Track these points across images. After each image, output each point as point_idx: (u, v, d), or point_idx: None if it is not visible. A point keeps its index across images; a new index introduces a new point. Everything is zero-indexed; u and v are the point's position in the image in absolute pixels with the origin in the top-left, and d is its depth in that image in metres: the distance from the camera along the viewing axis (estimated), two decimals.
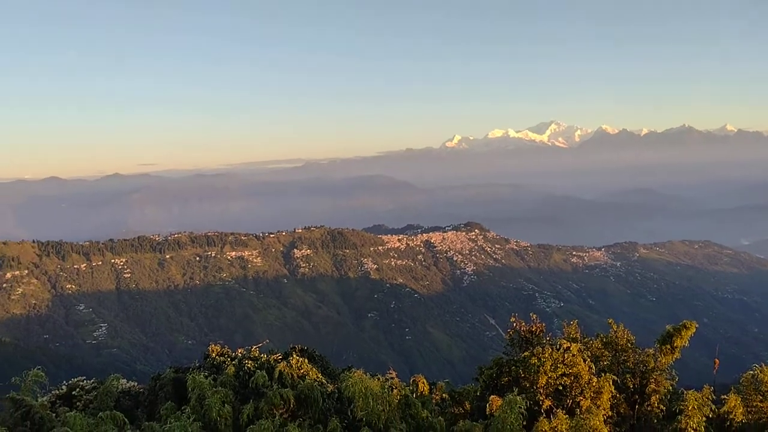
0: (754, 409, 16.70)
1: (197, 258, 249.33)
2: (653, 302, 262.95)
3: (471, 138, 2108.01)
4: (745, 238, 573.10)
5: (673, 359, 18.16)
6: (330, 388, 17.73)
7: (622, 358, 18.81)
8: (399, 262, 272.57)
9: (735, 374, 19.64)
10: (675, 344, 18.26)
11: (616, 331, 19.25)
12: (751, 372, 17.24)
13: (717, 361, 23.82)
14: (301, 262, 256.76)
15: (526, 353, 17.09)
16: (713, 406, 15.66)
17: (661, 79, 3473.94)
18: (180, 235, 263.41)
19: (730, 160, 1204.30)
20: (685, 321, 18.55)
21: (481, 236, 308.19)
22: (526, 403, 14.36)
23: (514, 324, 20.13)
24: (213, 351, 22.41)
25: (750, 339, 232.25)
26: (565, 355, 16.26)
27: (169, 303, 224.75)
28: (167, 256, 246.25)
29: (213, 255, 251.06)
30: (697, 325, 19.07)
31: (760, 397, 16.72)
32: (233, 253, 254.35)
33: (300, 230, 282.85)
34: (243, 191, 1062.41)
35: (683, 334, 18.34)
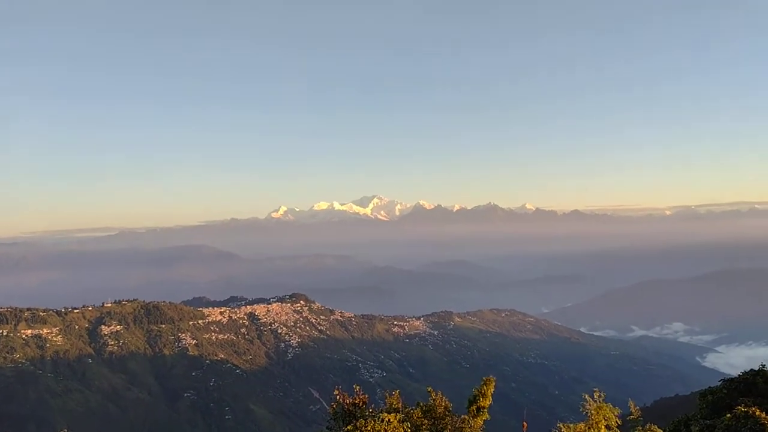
0: None
1: None
2: (467, 368, 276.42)
3: (297, 209, 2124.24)
4: (545, 306, 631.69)
5: (483, 421, 19.08)
6: None
7: (440, 426, 19.38)
8: (220, 336, 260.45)
9: None
10: (481, 405, 19.23)
11: (434, 399, 19.86)
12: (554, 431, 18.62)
13: (525, 423, 25.31)
14: (109, 340, 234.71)
15: (349, 427, 16.96)
16: None
17: (468, 161, 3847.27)
18: None
19: (531, 236, 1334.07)
20: (484, 378, 19.70)
21: (307, 307, 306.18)
22: None
23: (338, 397, 19.98)
24: None
25: (552, 401, 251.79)
26: (387, 427, 16.39)
27: None
28: None
29: (5, 333, 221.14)
30: (494, 379, 20.32)
31: None
32: (29, 331, 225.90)
33: (109, 304, 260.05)
34: (44, 262, 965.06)
35: (485, 391, 19.42)
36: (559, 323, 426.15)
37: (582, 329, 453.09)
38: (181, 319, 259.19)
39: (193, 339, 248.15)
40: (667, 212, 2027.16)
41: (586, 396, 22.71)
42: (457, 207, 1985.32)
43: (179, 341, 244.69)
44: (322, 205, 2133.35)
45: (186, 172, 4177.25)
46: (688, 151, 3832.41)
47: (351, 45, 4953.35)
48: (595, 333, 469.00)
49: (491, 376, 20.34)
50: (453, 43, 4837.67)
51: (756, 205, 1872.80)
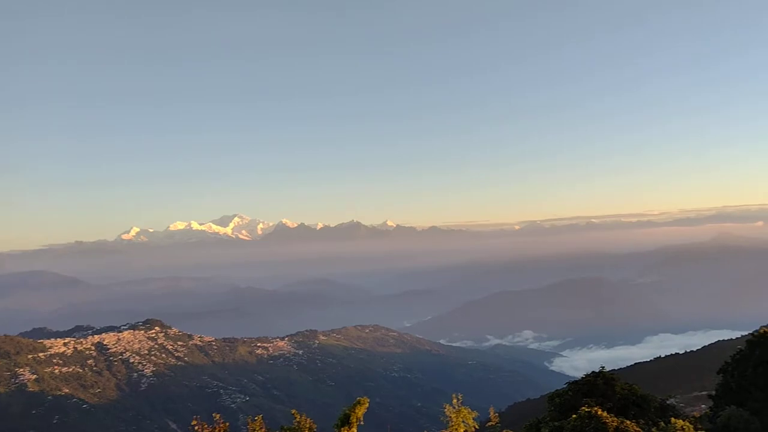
0: None
1: None
2: (333, 386, 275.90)
3: (151, 230, 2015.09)
4: (407, 320, 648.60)
5: None
6: None
7: None
8: (65, 369, 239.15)
9: None
10: (351, 421, 19.22)
11: (299, 421, 19.49)
12: None
13: None
14: None
15: None
16: None
17: (331, 179, 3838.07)
18: None
19: (393, 252, 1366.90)
20: (358, 398, 19.76)
21: (162, 333, 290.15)
22: None
23: (196, 427, 18.99)
24: None
25: (415, 413, 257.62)
26: None
27: None
28: None
29: None
30: (368, 400, 20.44)
31: None
32: None
33: None
34: None
35: (358, 410, 19.45)
36: (421, 336, 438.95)
37: (442, 341, 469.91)
38: (18, 353, 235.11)
39: (33, 374, 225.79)
40: (516, 227, 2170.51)
41: (446, 405, 23.72)
42: (320, 225, 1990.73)
43: (16, 377, 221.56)
44: (179, 226, 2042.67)
45: (23, 192, 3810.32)
46: (530, 169, 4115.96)
47: (210, 56, 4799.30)
48: (454, 344, 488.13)
49: (365, 398, 20.38)
50: (309, 48, 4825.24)
51: (592, 219, 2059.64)
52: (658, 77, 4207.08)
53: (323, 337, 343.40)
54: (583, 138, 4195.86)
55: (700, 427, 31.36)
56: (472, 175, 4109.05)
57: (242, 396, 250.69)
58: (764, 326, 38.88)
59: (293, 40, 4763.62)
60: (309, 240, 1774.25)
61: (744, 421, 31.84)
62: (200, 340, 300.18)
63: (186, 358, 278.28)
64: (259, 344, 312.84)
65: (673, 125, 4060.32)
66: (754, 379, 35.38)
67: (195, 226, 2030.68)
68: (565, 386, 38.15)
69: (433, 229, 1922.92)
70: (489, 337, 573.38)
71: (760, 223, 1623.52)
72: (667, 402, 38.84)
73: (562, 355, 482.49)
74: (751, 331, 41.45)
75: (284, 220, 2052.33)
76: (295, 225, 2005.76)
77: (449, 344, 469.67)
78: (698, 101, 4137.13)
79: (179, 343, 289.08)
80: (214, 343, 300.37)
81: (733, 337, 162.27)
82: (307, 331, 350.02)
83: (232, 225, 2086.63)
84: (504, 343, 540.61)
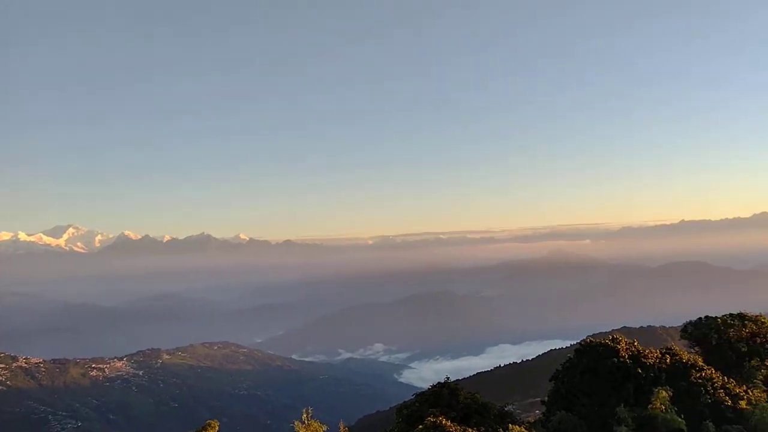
0: None
1: None
2: (176, 408, 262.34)
3: None
4: (258, 336, 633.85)
5: None
6: None
7: None
8: None
9: None
10: None
11: None
12: None
13: None
14: None
15: None
16: None
17: (179, 189, 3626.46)
18: None
19: (245, 266, 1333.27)
20: (208, 421, 18.51)
21: None
22: None
23: None
24: None
25: (263, 431, 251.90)
26: None
27: None
28: None
29: None
30: (218, 423, 19.19)
31: None
32: None
33: None
34: None
35: None
36: (273, 352, 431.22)
37: (294, 356, 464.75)
38: None
39: None
40: (370, 241, 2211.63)
41: (296, 421, 23.16)
42: (167, 237, 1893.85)
43: None
44: (4, 236, 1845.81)
45: None
46: (383, 185, 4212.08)
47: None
48: (306, 359, 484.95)
49: (215, 421, 19.10)
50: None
51: (441, 235, 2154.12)
52: (495, 112, 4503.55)
53: (167, 356, 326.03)
54: (431, 159, 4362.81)
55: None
56: (326, 189, 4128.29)
57: (74, 422, 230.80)
58: (590, 335, 42.20)
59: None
60: (154, 253, 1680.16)
61: (572, 425, 34.17)
62: (26, 362, 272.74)
63: (9, 382, 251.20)
64: (93, 365, 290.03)
65: (510, 158, 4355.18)
66: (581, 385, 38.10)
67: (22, 236, 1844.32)
68: (412, 397, 38.86)
69: (288, 243, 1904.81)
70: (341, 351, 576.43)
71: (587, 240, 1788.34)
72: (506, 409, 40.90)
73: (410, 367, 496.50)
74: (579, 341, 44.87)
75: (126, 232, 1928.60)
76: (139, 237, 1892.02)
77: (301, 359, 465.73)
78: (534, 135, 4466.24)
79: (1, 366, 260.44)
80: (42, 365, 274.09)
81: (565, 346, 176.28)
82: (149, 350, 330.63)
83: (65, 236, 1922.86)
84: (355, 356, 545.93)
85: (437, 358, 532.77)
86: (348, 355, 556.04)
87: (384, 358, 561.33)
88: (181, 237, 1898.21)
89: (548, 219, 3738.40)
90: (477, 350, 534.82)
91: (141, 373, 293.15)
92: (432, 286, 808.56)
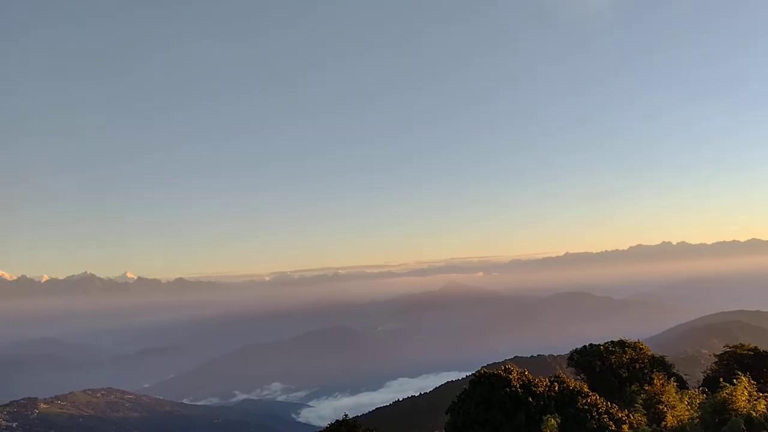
0: None
1: None
2: None
3: None
4: (146, 381, 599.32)
5: None
6: None
7: None
8: None
9: None
10: None
11: None
12: None
13: None
14: None
15: None
16: None
17: (62, 225, 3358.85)
18: None
19: (132, 306, 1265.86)
20: None
21: None
22: None
23: None
24: None
25: None
26: None
27: None
28: None
29: None
30: None
31: None
32: None
33: None
34: None
35: None
36: (162, 397, 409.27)
37: (185, 400, 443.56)
38: None
39: None
40: (267, 278, 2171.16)
41: None
42: (45, 277, 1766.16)
43: None
44: None
45: None
46: (279, 221, 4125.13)
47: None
48: (199, 403, 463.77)
49: None
50: None
51: (339, 271, 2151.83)
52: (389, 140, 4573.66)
53: (45, 406, 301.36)
54: (324, 197, 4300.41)
55: None
56: (220, 225, 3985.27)
57: None
58: (485, 366, 43.23)
59: None
60: (31, 295, 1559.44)
61: None
62: None
63: None
64: None
65: (405, 194, 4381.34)
66: (476, 415, 38.81)
67: None
68: None
69: (180, 281, 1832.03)
70: (236, 392, 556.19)
71: (480, 273, 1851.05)
72: None
73: (309, 406, 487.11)
74: (474, 372, 45.85)
75: (0, 272, 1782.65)
76: (15, 277, 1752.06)
77: (194, 403, 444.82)
78: (426, 170, 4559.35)
79: None
80: None
81: (461, 377, 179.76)
82: (24, 399, 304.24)
83: None
84: (252, 397, 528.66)
85: (336, 395, 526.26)
86: (244, 396, 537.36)
87: (282, 398, 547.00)
88: (62, 277, 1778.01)
89: (443, 253, 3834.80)
90: (376, 385, 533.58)
91: (15, 425, 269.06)
92: (330, 322, 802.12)
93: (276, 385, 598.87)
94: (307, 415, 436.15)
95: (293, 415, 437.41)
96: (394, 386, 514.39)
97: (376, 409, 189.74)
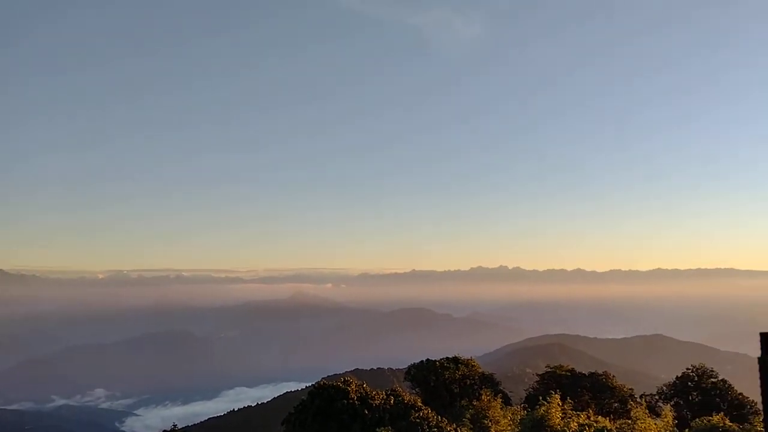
0: None
1: None
2: None
3: None
4: None
5: None
6: None
7: None
8: None
9: None
10: None
11: None
12: None
13: None
14: None
15: None
16: None
17: None
18: None
19: None
20: None
21: None
22: None
23: None
24: None
25: None
26: None
27: None
28: None
29: None
30: None
31: None
32: None
33: None
34: None
35: None
36: None
37: None
38: None
39: None
40: (100, 275, 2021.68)
41: None
42: None
43: None
44: None
45: None
46: (114, 216, 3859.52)
47: None
48: (10, 407, 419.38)
49: None
50: None
51: (183, 273, 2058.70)
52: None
53: None
54: (177, 190, 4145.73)
55: None
56: (48, 211, 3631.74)
57: None
58: (325, 377, 43.24)
59: None
60: None
61: None
62: None
63: None
64: None
65: (260, 199, 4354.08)
66: (312, 427, 38.60)
67: None
68: None
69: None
70: (54, 397, 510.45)
71: (329, 284, 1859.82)
72: None
73: (135, 414, 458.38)
74: (314, 382, 45.65)
75: None
76: None
77: (4, 408, 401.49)
78: (280, 179, 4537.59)
79: None
80: None
81: (300, 388, 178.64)
82: None
83: None
84: (71, 403, 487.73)
85: (167, 404, 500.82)
86: (62, 401, 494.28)
87: (105, 405, 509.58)
88: None
89: (294, 262, 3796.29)
90: (212, 394, 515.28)
91: None
92: (169, 326, 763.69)
93: (100, 391, 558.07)
94: (132, 424, 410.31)
95: (117, 424, 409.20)
96: (231, 396, 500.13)
97: (209, 419, 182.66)
